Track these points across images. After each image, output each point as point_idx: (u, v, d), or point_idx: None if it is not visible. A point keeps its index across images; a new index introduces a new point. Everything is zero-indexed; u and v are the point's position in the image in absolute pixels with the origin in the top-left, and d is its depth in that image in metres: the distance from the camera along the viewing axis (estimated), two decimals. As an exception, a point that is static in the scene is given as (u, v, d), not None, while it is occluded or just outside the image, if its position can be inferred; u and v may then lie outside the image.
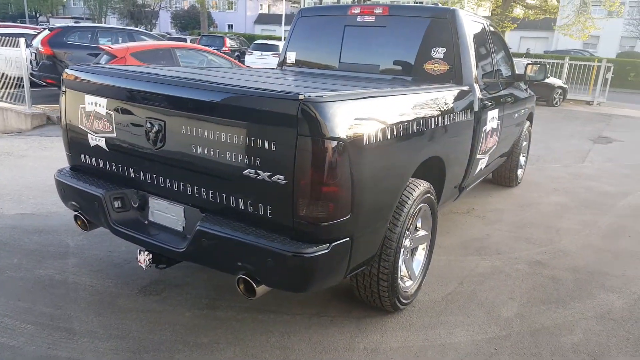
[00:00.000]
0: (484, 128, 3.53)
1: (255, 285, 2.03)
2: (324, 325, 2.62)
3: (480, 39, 3.72)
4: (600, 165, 7.02)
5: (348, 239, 2.05)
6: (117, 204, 2.46)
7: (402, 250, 2.57)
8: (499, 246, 3.87)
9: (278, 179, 1.91)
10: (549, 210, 4.86)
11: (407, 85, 2.96)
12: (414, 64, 3.48)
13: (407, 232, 2.61)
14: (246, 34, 34.28)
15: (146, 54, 8.58)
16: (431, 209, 2.86)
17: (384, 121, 2.18)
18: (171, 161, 2.23)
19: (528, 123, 5.36)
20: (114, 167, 2.50)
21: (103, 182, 2.56)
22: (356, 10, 3.76)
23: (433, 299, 2.98)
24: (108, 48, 8.54)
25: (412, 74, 3.47)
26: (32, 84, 8.28)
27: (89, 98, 2.48)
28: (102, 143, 2.49)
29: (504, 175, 5.31)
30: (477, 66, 3.45)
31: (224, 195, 2.10)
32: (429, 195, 2.73)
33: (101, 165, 2.56)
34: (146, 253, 2.35)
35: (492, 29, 4.14)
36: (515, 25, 23.30)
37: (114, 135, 2.42)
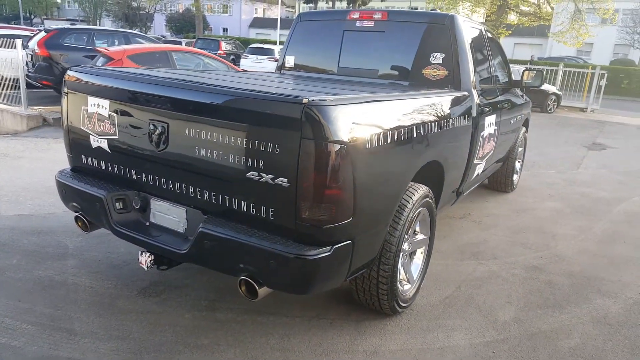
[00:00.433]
0: (482, 133, 3.57)
1: (257, 287, 2.04)
2: (323, 328, 2.63)
3: (478, 44, 3.77)
4: (595, 172, 7.09)
5: (349, 241, 2.07)
6: (118, 205, 2.47)
7: (401, 253, 2.59)
8: (495, 251, 3.90)
9: (281, 181, 1.93)
10: (544, 215, 4.91)
11: (407, 90, 2.99)
12: (413, 69, 3.51)
13: (406, 236, 2.63)
14: (241, 38, 34.31)
15: (143, 56, 8.58)
16: (430, 213, 2.89)
17: (386, 125, 2.21)
18: (174, 163, 2.24)
19: (524, 129, 5.42)
20: (116, 169, 2.50)
21: (104, 183, 2.56)
22: (355, 15, 3.80)
23: (431, 302, 3.01)
24: (105, 50, 8.53)
25: (410, 79, 3.51)
26: (28, 86, 8.24)
27: (92, 100, 2.49)
28: (104, 144, 2.50)
29: (499, 181, 5.36)
30: (475, 72, 3.49)
31: (227, 197, 2.12)
32: (428, 199, 2.75)
33: (103, 166, 2.56)
34: (148, 254, 2.36)
35: (489, 35, 4.19)
36: (510, 32, 23.52)
37: (117, 137, 2.43)
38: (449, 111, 2.94)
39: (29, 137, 6.98)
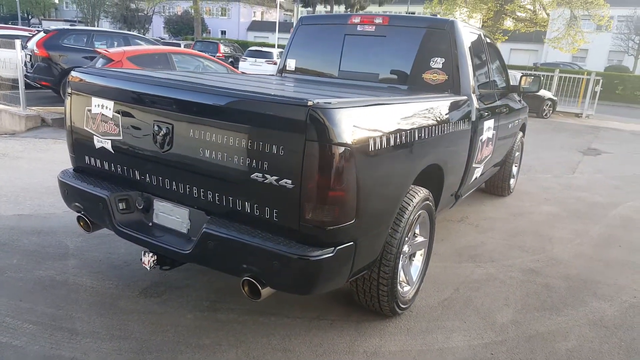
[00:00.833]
0: (480, 137, 3.61)
1: (260, 288, 2.06)
2: (324, 329, 2.65)
3: (478, 49, 3.82)
4: (590, 177, 7.16)
5: (352, 243, 2.10)
6: (121, 205, 2.48)
7: (401, 255, 2.62)
8: (492, 254, 3.94)
9: (285, 182, 1.95)
10: (541, 219, 4.95)
11: (408, 94, 3.03)
12: (413, 74, 3.56)
13: (406, 238, 2.66)
14: (239, 41, 34.40)
15: (142, 58, 8.59)
16: (429, 216, 2.92)
17: (389, 128, 2.24)
18: (178, 164, 2.26)
19: (521, 134, 5.48)
20: (119, 169, 2.52)
21: (107, 183, 2.58)
22: (356, 20, 3.84)
23: (430, 304, 3.04)
24: (104, 52, 8.54)
25: (411, 84, 3.55)
26: (27, 86, 8.24)
27: (96, 100, 2.51)
28: (108, 145, 2.51)
29: (496, 185, 5.41)
30: (474, 76, 3.54)
31: (231, 198, 2.14)
32: (428, 202, 2.79)
33: (106, 167, 2.58)
34: (150, 254, 2.38)
35: (488, 40, 4.24)
36: (506, 38, 23.69)
37: (121, 138, 2.45)
38: (449, 115, 2.97)
39: (27, 137, 6.98)
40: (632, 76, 25.88)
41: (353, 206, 2.03)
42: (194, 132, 2.15)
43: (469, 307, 3.05)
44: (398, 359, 2.47)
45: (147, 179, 2.42)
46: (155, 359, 2.29)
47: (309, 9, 43.75)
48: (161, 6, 40.80)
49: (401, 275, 2.77)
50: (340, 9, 41.69)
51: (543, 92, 14.04)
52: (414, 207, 2.59)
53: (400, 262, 2.66)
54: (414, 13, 33.04)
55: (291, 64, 4.17)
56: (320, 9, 44.92)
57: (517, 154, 5.47)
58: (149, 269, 2.38)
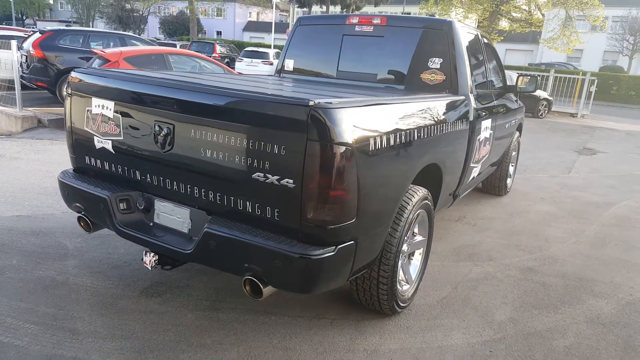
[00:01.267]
0: (478, 137, 3.64)
1: (262, 287, 2.08)
2: (324, 327, 2.67)
3: (475, 50, 3.85)
4: (586, 176, 7.21)
5: (353, 242, 2.12)
6: (122, 205, 2.49)
7: (400, 254, 2.64)
8: (490, 253, 3.97)
9: (287, 182, 1.97)
10: (537, 218, 4.99)
11: (408, 93, 3.05)
12: (411, 74, 3.58)
13: (405, 237, 2.68)
14: (235, 41, 34.35)
15: (139, 58, 8.58)
16: (428, 215, 2.95)
17: (389, 128, 2.26)
18: (179, 164, 2.27)
19: (517, 133, 5.51)
20: (120, 170, 2.53)
21: (108, 184, 2.58)
22: (354, 20, 3.86)
23: (429, 302, 3.06)
24: (101, 52, 8.53)
25: (409, 84, 3.57)
26: (23, 87, 8.22)
27: (96, 101, 2.52)
28: (109, 145, 2.52)
29: (493, 184, 5.44)
30: (471, 76, 3.56)
31: (232, 198, 2.15)
32: (426, 201, 2.81)
33: (106, 167, 2.59)
34: (152, 254, 2.38)
35: (485, 40, 4.27)
36: (502, 38, 23.80)
37: (121, 138, 2.46)
38: (447, 115, 3.00)
39: (23, 138, 6.96)
40: (626, 76, 26.06)
41: (354, 205, 2.04)
42: (195, 132, 2.16)
43: (467, 305, 3.07)
44: (398, 357, 2.49)
45: (148, 179, 2.43)
46: (156, 358, 2.30)
47: (304, 9, 43.76)
48: (156, 7, 40.72)
49: (400, 274, 2.79)
50: (336, 10, 41.74)
51: (539, 92, 14.13)
52: (413, 206, 2.61)
53: (400, 261, 2.68)
54: (409, 13, 33.12)
55: (289, 65, 4.19)
56: (316, 10, 44.95)
57: (513, 153, 5.51)
58: (150, 268, 2.39)
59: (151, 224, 2.50)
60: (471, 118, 3.43)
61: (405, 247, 2.77)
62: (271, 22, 34.25)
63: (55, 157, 5.87)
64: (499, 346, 2.64)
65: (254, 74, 5.04)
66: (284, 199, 2.00)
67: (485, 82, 4.09)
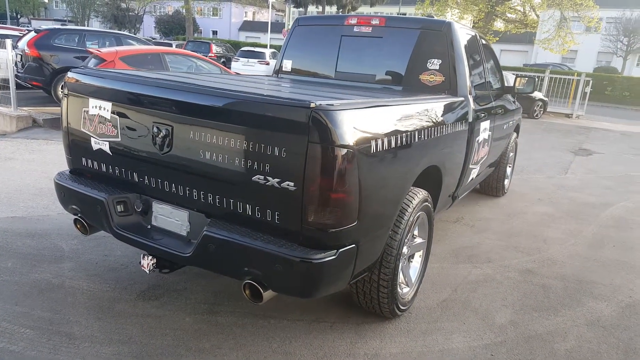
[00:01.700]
0: (477, 138, 3.63)
1: (262, 291, 2.05)
2: (324, 331, 2.65)
3: (474, 51, 3.83)
4: (583, 177, 7.23)
5: (354, 245, 2.09)
6: (119, 208, 2.46)
7: (401, 257, 2.62)
8: (489, 254, 3.96)
9: (287, 185, 1.94)
10: (535, 220, 4.99)
11: (407, 95, 3.03)
12: (410, 75, 3.56)
13: (405, 240, 2.66)
14: (231, 41, 34.26)
15: (135, 58, 8.53)
16: (428, 217, 2.93)
17: (390, 130, 2.24)
18: (177, 166, 2.24)
19: (515, 134, 5.51)
20: (117, 171, 2.49)
21: (105, 186, 2.55)
22: (353, 21, 3.84)
23: (429, 305, 3.04)
24: (96, 52, 8.46)
25: (408, 85, 3.55)
26: (17, 86, 8.13)
27: (93, 102, 2.48)
28: (106, 147, 2.48)
29: (491, 185, 5.43)
30: (470, 78, 3.55)
31: (231, 200, 2.12)
32: (427, 203, 2.79)
33: (104, 169, 2.55)
34: (150, 257, 2.35)
35: (483, 41, 4.26)
36: (497, 39, 23.87)
37: (119, 140, 2.42)
38: (447, 116, 2.98)
39: (18, 138, 6.89)
40: (620, 77, 26.19)
41: (355, 208, 2.02)
42: (194, 134, 2.13)
43: (467, 308, 3.06)
44: (399, 360, 2.47)
45: (146, 181, 2.39)
46: (155, 363, 2.27)
47: (300, 9, 43.74)
48: (152, 6, 40.51)
49: (400, 277, 2.77)
50: (332, 10, 41.74)
51: (534, 93, 14.17)
52: (414, 208, 2.59)
53: (400, 264, 2.65)
54: (405, 14, 33.15)
55: (287, 65, 4.16)
56: (312, 10, 44.93)
57: (511, 154, 5.51)
58: (148, 272, 2.36)
59: (149, 227, 2.46)
60: (470, 119, 3.42)
61: (405, 250, 2.75)
62: (267, 22, 34.20)
63: (50, 157, 5.81)
64: (500, 350, 2.63)
65: (252, 75, 5.00)
66: (285, 202, 1.97)
67: (484, 83, 4.08)
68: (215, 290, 2.95)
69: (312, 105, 1.86)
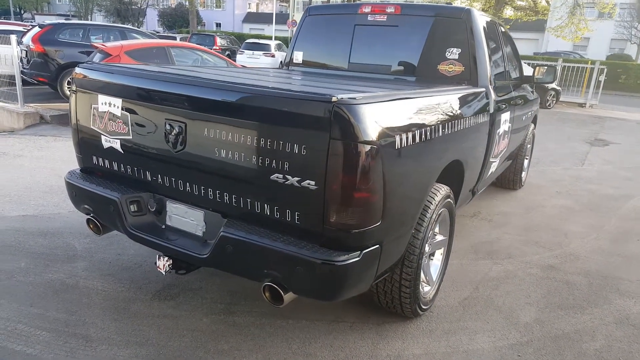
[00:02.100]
0: (497, 131, 3.51)
1: (282, 293, 1.97)
2: (344, 332, 2.57)
3: (493, 39, 3.70)
4: (600, 168, 7.06)
5: (378, 245, 2.00)
6: (133, 207, 2.38)
7: (423, 255, 2.53)
8: (509, 250, 3.85)
9: (308, 184, 1.85)
10: (554, 213, 4.87)
11: (428, 86, 2.91)
12: (428, 65, 3.44)
13: (428, 237, 2.57)
14: (235, 33, 34.01)
15: (140, 52, 8.45)
16: (450, 214, 2.83)
17: (415, 123, 2.14)
18: (192, 164, 2.16)
19: (532, 126, 5.37)
20: (130, 170, 2.42)
21: (117, 185, 2.47)
22: (367, 9, 3.71)
23: (450, 304, 2.95)
24: (102, 46, 8.39)
25: (426, 75, 3.43)
26: (23, 82, 8.10)
27: (103, 98, 2.40)
28: (117, 145, 2.41)
29: (508, 178, 5.30)
30: (491, 67, 3.42)
31: (249, 200, 2.04)
32: (449, 199, 2.69)
33: (115, 167, 2.47)
34: (165, 259, 2.28)
35: (502, 29, 4.12)
36: (508, 27, 23.45)
37: (130, 137, 2.34)
38: (470, 108, 2.87)
39: (26, 135, 6.85)
40: (635, 65, 25.65)
41: (379, 207, 1.93)
42: (209, 131, 2.04)
43: (490, 306, 2.96)
44: (422, 362, 2.38)
45: (159, 180, 2.31)
46: (172, 367, 2.20)
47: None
48: (155, -1, 40.35)
49: (421, 275, 2.68)
50: (336, -1, 41.27)
51: (546, 82, 13.90)
52: (436, 205, 2.49)
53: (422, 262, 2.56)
54: (412, 1, 32.66)
55: (298, 57, 4.05)
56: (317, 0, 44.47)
57: (528, 146, 5.37)
58: (164, 273, 2.29)
59: (163, 227, 2.39)
60: (491, 111, 3.29)
61: (426, 248, 2.65)
62: (271, 13, 33.94)
63: (59, 154, 5.76)
64: (527, 350, 2.53)
65: (264, 68, 4.89)
66: (305, 201, 1.88)
67: (503, 73, 3.94)
68: (231, 289, 2.88)
69: (334, 99, 1.76)
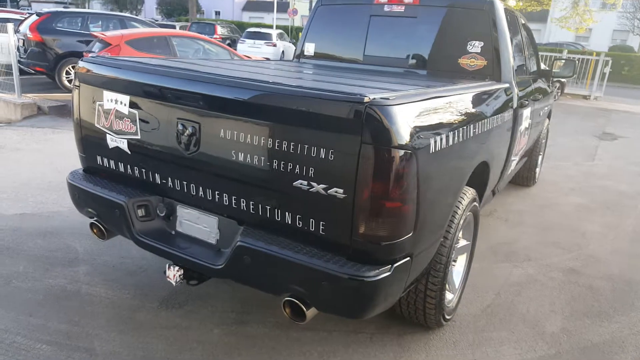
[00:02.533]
0: (519, 128, 3.35)
1: (305, 309, 1.82)
2: (364, 344, 2.43)
3: (515, 31, 3.52)
4: (611, 163, 6.92)
5: (408, 258, 1.85)
6: (140, 212, 2.22)
7: (450, 264, 2.38)
8: (528, 251, 3.71)
9: (335, 192, 1.69)
10: (569, 211, 4.72)
11: (456, 83, 2.72)
12: (448, 59, 3.26)
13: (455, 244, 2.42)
14: (234, 21, 33.51)
15: (141, 41, 8.22)
16: (474, 217, 2.68)
17: (448, 124, 1.98)
18: (206, 167, 1.99)
19: (547, 120, 5.21)
20: (137, 172, 2.25)
21: (123, 187, 2.31)
22: None
23: (472, 312, 2.81)
24: (101, 35, 8.16)
25: (445, 70, 3.26)
26: (20, 72, 7.86)
27: (108, 94, 2.22)
28: (124, 145, 2.24)
29: (522, 175, 5.15)
30: (514, 62, 3.25)
31: (268, 207, 1.88)
32: (475, 203, 2.54)
33: (121, 169, 2.31)
34: (176, 268, 2.12)
35: (522, 20, 3.94)
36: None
37: (138, 137, 2.17)
38: (497, 105, 2.71)
39: (24, 126, 6.65)
40: (638, 56, 25.36)
41: (412, 217, 1.77)
42: (226, 132, 1.87)
43: (514, 314, 2.82)
44: (449, 377, 2.25)
45: (169, 183, 2.15)
46: (184, 384, 2.06)
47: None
48: (154, -14, 39.72)
49: (445, 283, 2.53)
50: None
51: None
52: (463, 210, 2.34)
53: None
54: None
55: (310, 49, 3.87)
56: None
57: (542, 141, 5.22)
58: (174, 284, 2.13)
59: (173, 233, 2.23)
60: (514, 107, 3.13)
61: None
62: (271, 1, 33.41)
63: (58, 147, 5.57)
64: (557, 364, 2.40)
65: (278, 61, 4.69)
66: (332, 210, 1.73)
67: (523, 66, 3.77)
68: (241, 297, 2.73)
69: (366, 99, 1.60)
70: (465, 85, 2.54)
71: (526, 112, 3.51)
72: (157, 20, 31.88)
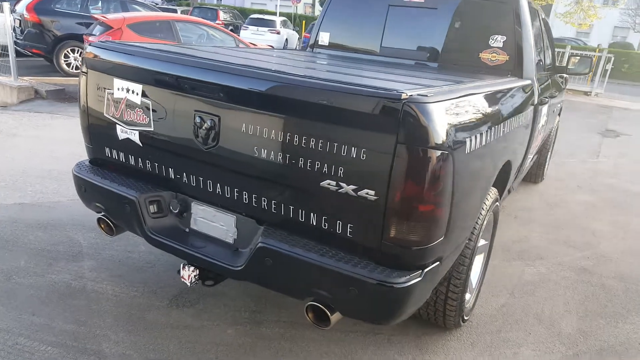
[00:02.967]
0: (538, 125, 3.26)
1: (330, 314, 1.74)
2: (382, 345, 2.36)
3: (536, 27, 3.42)
4: (616, 161, 6.87)
5: (438, 262, 1.77)
6: (152, 208, 2.12)
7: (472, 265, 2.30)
8: (539, 250, 3.65)
9: (366, 193, 1.60)
10: (578, 209, 4.67)
11: (483, 78, 2.61)
12: (469, 52, 3.16)
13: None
14: (236, 7, 32.99)
15: (144, 25, 8.04)
16: (494, 217, 2.61)
17: (483, 122, 1.89)
18: (225, 163, 1.89)
19: (558, 117, 5.13)
20: (149, 166, 2.14)
21: (134, 181, 2.20)
22: None
23: (488, 312, 2.75)
24: (102, 18, 7.95)
25: (466, 64, 3.15)
26: (17, 54, 7.64)
27: (119, 82, 2.10)
28: (135, 137, 2.12)
29: (531, 172, 5.07)
30: (535, 57, 3.15)
31: (291, 207, 1.79)
32: (497, 203, 2.46)
33: (132, 162, 2.19)
34: (192, 268, 2.03)
35: (542, 14, 3.83)
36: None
37: (151, 129, 2.06)
38: (523, 103, 2.62)
39: (21, 110, 6.47)
40: (638, 53, 25.28)
41: (445, 221, 1.69)
42: (248, 127, 1.77)
43: (529, 314, 2.77)
44: (469, 383, 2.19)
45: (184, 178, 2.04)
46: (198, 388, 1.98)
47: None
48: (151, -31, 38.94)
49: (464, 285, 2.46)
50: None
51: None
52: (487, 210, 2.26)
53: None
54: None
55: (324, 38, 3.74)
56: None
57: (552, 138, 5.14)
58: (189, 284, 2.04)
59: (187, 230, 2.13)
60: (535, 104, 3.04)
61: (472, 255, 2.43)
62: (273, -12, 32.87)
63: (57, 133, 5.42)
64: (578, 369, 2.35)
65: (293, 50, 4.55)
66: (361, 213, 1.64)
67: (541, 62, 3.67)
68: (254, 295, 2.65)
69: (404, 96, 1.50)
70: (494, 81, 2.44)
71: (544, 109, 3.42)
72: (157, 4, 31.25)
